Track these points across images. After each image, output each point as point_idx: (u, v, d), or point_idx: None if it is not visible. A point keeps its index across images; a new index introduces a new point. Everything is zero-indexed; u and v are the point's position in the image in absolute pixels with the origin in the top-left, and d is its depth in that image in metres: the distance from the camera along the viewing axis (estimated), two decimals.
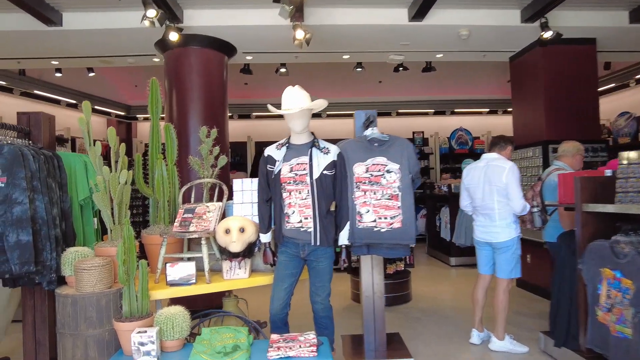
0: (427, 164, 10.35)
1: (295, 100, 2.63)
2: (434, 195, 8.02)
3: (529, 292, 5.34)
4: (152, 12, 3.82)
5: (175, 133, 3.23)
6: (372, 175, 2.80)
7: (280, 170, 2.70)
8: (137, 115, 10.66)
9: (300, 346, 2.26)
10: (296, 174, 2.68)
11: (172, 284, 2.67)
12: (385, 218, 2.76)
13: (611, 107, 7.75)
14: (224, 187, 3.11)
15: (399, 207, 2.75)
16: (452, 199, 7.15)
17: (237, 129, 9.82)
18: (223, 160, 3.29)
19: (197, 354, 2.22)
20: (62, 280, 2.60)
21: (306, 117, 2.69)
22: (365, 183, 2.81)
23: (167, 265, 2.68)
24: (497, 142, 3.80)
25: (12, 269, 2.35)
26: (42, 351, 2.71)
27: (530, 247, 5.11)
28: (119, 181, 2.72)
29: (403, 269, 5.10)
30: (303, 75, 6.83)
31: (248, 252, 2.79)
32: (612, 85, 8.01)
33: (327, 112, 9.78)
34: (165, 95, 5.06)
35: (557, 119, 5.25)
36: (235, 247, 2.70)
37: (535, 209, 3.87)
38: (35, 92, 8.01)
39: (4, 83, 7.42)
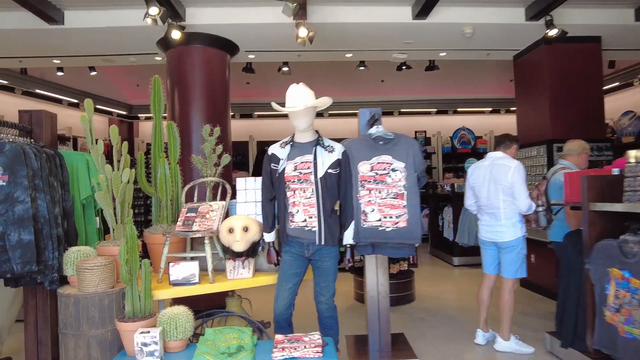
0: (430, 163, 10.32)
1: (300, 97, 2.60)
2: (437, 194, 7.99)
3: (533, 292, 5.31)
4: (154, 10, 3.80)
5: (178, 131, 3.20)
6: (377, 173, 2.77)
7: (284, 169, 2.67)
8: (139, 115, 10.64)
9: (305, 347, 2.24)
10: (300, 173, 2.65)
11: (175, 284, 2.64)
12: (391, 217, 2.73)
13: (615, 106, 7.70)
14: (227, 186, 3.09)
15: (404, 206, 2.72)
16: (455, 199, 7.11)
17: (239, 128, 9.79)
18: (226, 158, 3.26)
19: (201, 354, 2.20)
20: (64, 280, 2.58)
21: (311, 115, 2.66)
22: (370, 182, 2.78)
23: (170, 264, 2.66)
24: (502, 141, 3.77)
25: (14, 268, 2.33)
26: (44, 351, 2.69)
27: (534, 247, 5.07)
28: (122, 180, 2.70)
29: (406, 268, 5.07)
30: (305, 74, 6.79)
31: (252, 251, 2.76)
32: (616, 84, 7.97)
33: (329, 112, 9.75)
34: (167, 94, 5.04)
35: (562, 118, 5.21)
36: (239, 246, 2.67)
37: (540, 209, 3.83)
38: (37, 91, 8.00)
39: (5, 82, 7.41)
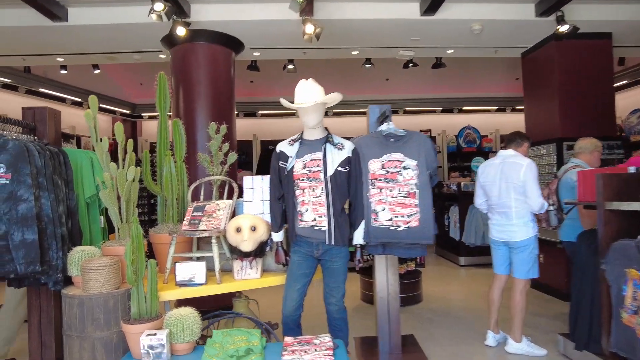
0: None
1: (309, 93, 2.54)
2: (442, 194, 7.91)
3: (543, 292, 5.23)
4: (159, 6, 3.74)
5: (183, 129, 3.14)
6: (388, 172, 2.70)
7: (293, 167, 2.61)
8: (142, 114, 10.60)
9: (315, 349, 2.17)
10: (309, 171, 2.58)
11: (182, 285, 2.58)
12: (402, 216, 2.66)
13: (624, 104, 7.60)
14: (234, 185, 3.03)
15: (416, 205, 2.65)
16: (462, 198, 7.05)
17: (242, 127, 9.74)
18: (233, 157, 3.20)
19: (209, 357, 2.13)
20: (68, 281, 2.52)
21: (320, 112, 2.59)
22: (380, 180, 2.71)
23: (177, 265, 2.60)
24: (513, 139, 3.69)
25: (17, 268, 2.27)
26: (48, 353, 2.64)
27: (543, 247, 4.96)
28: (127, 178, 2.64)
29: (414, 269, 5.00)
30: (309, 72, 6.66)
31: (259, 251, 2.70)
32: (625, 81, 7.87)
33: (333, 110, 9.68)
34: (172, 92, 4.98)
35: (572, 116, 5.12)
36: (247, 246, 2.61)
37: (551, 208, 3.76)
38: (41, 90, 7.97)
39: (9, 81, 7.39)
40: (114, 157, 2.68)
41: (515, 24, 4.92)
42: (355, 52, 5.96)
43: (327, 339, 2.30)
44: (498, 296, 3.71)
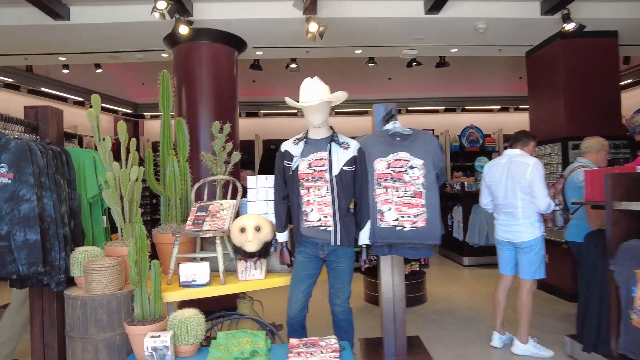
0: None
1: (314, 92, 2.50)
2: (446, 193, 7.86)
3: (547, 293, 5.19)
4: (162, 4, 3.71)
5: (187, 128, 3.11)
6: (394, 171, 2.67)
7: (297, 167, 2.58)
8: (144, 113, 10.59)
9: (322, 352, 2.14)
10: (315, 170, 2.55)
11: (185, 285, 2.55)
12: (409, 217, 2.63)
13: (629, 103, 7.55)
14: (238, 184, 2.99)
15: (422, 205, 2.61)
16: (465, 198, 7.01)
17: (244, 127, 9.67)
18: (236, 156, 3.16)
19: (214, 359, 2.10)
20: (70, 282, 2.49)
21: (325, 110, 2.56)
22: (386, 180, 2.67)
23: (180, 265, 2.57)
24: (519, 138, 3.65)
25: (20, 269, 2.24)
26: (51, 354, 2.61)
27: (548, 247, 4.90)
28: (130, 178, 2.61)
29: (418, 269, 4.97)
30: (311, 71, 6.66)
31: (264, 252, 2.67)
32: (630, 80, 7.82)
33: (336, 110, 9.64)
34: (174, 91, 4.94)
35: (577, 115, 5.08)
36: (251, 246, 2.58)
37: (557, 208, 3.73)
38: (43, 89, 7.95)
39: (11, 80, 7.37)
40: (116, 156, 2.65)
41: (520, 23, 4.88)
42: (358, 51, 5.92)
43: (333, 340, 2.27)
44: (504, 297, 3.67)
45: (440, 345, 3.66)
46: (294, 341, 2.28)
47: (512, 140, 3.68)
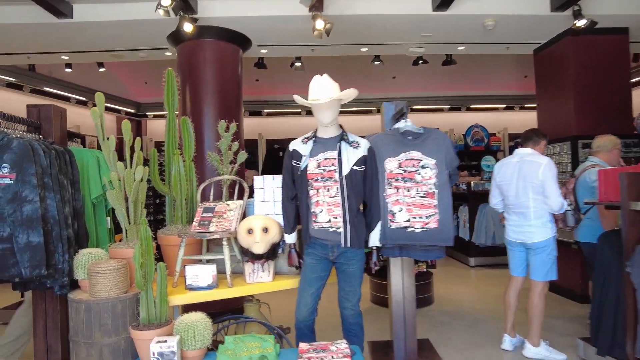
0: None
1: (324, 89, 2.44)
2: (451, 193, 7.78)
3: (556, 294, 5.11)
4: (166, 1, 3.65)
5: (192, 127, 3.05)
6: (405, 171, 2.60)
7: (306, 166, 2.51)
8: (147, 113, 10.54)
9: (332, 357, 2.08)
10: (324, 170, 2.48)
11: (192, 288, 2.49)
12: (420, 217, 2.55)
13: (638, 101, 7.45)
14: (245, 184, 2.93)
15: (435, 205, 2.54)
16: (471, 197, 6.93)
17: (248, 126, 9.62)
18: (243, 155, 3.11)
19: None
20: (74, 284, 2.43)
21: (335, 108, 2.49)
22: (397, 180, 2.60)
23: (186, 267, 2.51)
24: (530, 137, 3.57)
25: (22, 272, 2.18)
26: (54, 358, 2.55)
27: (557, 248, 4.86)
28: (135, 178, 2.55)
29: (425, 270, 4.90)
30: (315, 70, 6.58)
31: (272, 253, 2.60)
32: (639, 78, 7.72)
33: (340, 109, 9.57)
34: (179, 90, 4.89)
35: (587, 113, 5.00)
36: (259, 248, 2.51)
37: (568, 208, 3.65)
38: (45, 88, 7.91)
39: (13, 80, 7.33)
40: (119, 156, 2.59)
41: (529, 19, 4.80)
42: (364, 49, 5.85)
43: (343, 345, 2.21)
44: (514, 299, 3.60)
45: (450, 348, 3.59)
46: (303, 346, 2.22)
47: (523, 139, 3.61)
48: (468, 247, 6.90)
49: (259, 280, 2.63)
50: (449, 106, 10.50)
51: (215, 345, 2.39)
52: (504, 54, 6.16)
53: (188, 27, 4.14)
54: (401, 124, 2.66)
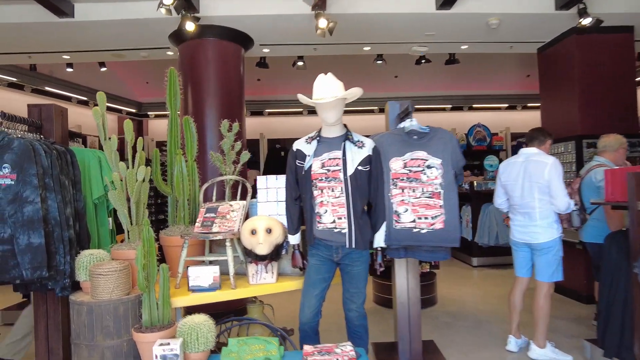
0: None
1: (329, 88, 2.40)
2: None
3: (560, 294, 5.07)
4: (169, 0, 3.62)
5: (195, 127, 3.01)
6: (410, 171, 2.56)
7: (310, 166, 2.48)
8: (149, 113, 10.52)
9: (337, 359, 2.05)
10: (328, 170, 2.45)
11: (195, 290, 2.46)
12: (426, 218, 2.52)
13: None
14: (248, 185, 2.90)
15: (441, 205, 2.51)
16: (474, 197, 6.90)
17: (249, 126, 9.57)
18: (245, 155, 3.07)
19: None
20: (76, 286, 2.40)
21: (340, 108, 2.46)
22: (403, 180, 2.57)
23: (189, 269, 2.48)
24: (536, 136, 3.53)
25: (23, 274, 2.15)
26: None
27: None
28: (137, 178, 2.51)
29: (428, 270, 4.86)
30: (317, 70, 6.55)
31: (275, 254, 2.57)
32: None
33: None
34: (180, 90, 4.86)
35: (592, 112, 4.96)
36: (262, 249, 2.48)
37: (574, 208, 3.62)
38: (46, 88, 7.89)
39: (14, 79, 7.31)
40: (121, 156, 2.56)
41: (533, 18, 4.76)
42: (367, 48, 5.81)
43: (348, 348, 2.18)
44: (519, 300, 3.56)
45: (454, 350, 3.56)
46: (308, 348, 2.19)
47: (528, 138, 3.57)
48: (471, 247, 6.86)
49: (263, 282, 2.60)
50: (451, 106, 10.47)
51: (218, 347, 2.37)
52: (506, 53, 6.12)
53: (190, 26, 4.11)
54: (406, 123, 2.63)
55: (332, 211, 2.44)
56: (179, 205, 2.89)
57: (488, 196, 6.80)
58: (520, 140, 9.15)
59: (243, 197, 2.88)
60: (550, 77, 5.56)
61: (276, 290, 2.61)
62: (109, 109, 9.26)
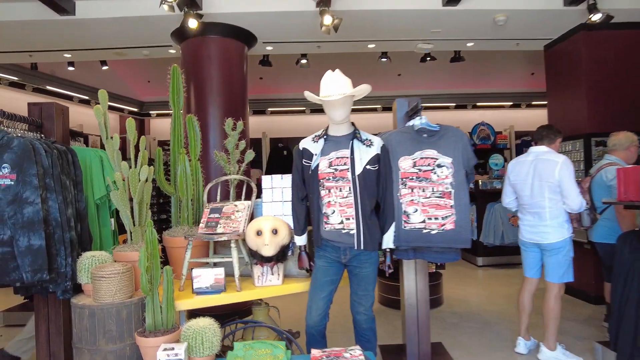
0: None
1: (337, 85, 2.34)
2: None
3: (569, 295, 5.00)
4: None
5: (198, 125, 2.95)
6: (420, 170, 2.50)
7: (317, 166, 2.42)
8: (150, 112, 10.47)
9: None
10: (336, 169, 2.39)
11: (199, 292, 2.40)
12: (436, 219, 2.45)
13: None
14: (252, 184, 2.84)
15: (451, 206, 2.44)
16: (479, 196, 6.83)
17: (251, 125, 9.52)
18: (250, 155, 3.01)
19: None
20: (77, 289, 2.34)
21: (348, 105, 2.40)
22: (412, 179, 2.50)
23: (193, 270, 2.42)
24: (546, 134, 3.46)
25: (24, 277, 2.09)
26: None
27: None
28: (139, 178, 2.45)
29: (434, 271, 4.80)
30: (320, 67, 6.51)
31: (281, 256, 2.51)
32: None
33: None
34: (184, 88, 4.80)
35: (600, 110, 4.88)
36: (268, 250, 2.42)
37: (586, 207, 3.55)
38: (48, 87, 7.85)
39: (16, 78, 7.27)
40: (123, 155, 2.50)
41: (541, 14, 4.68)
42: (371, 46, 5.74)
43: (357, 352, 2.12)
44: (529, 301, 3.50)
45: (463, 352, 3.49)
46: (315, 352, 2.13)
47: (537, 136, 3.49)
48: (476, 247, 6.79)
49: (268, 284, 2.54)
50: (454, 104, 10.39)
51: (223, 351, 2.31)
52: (510, 51, 6.05)
53: (193, 24, 4.04)
54: (416, 121, 2.56)
55: (340, 211, 2.38)
56: (183, 206, 2.83)
57: (493, 195, 6.74)
58: (524, 139, 9.07)
59: (248, 197, 2.82)
60: (557, 75, 5.49)
61: (282, 292, 2.55)
62: (110, 108, 9.21)
